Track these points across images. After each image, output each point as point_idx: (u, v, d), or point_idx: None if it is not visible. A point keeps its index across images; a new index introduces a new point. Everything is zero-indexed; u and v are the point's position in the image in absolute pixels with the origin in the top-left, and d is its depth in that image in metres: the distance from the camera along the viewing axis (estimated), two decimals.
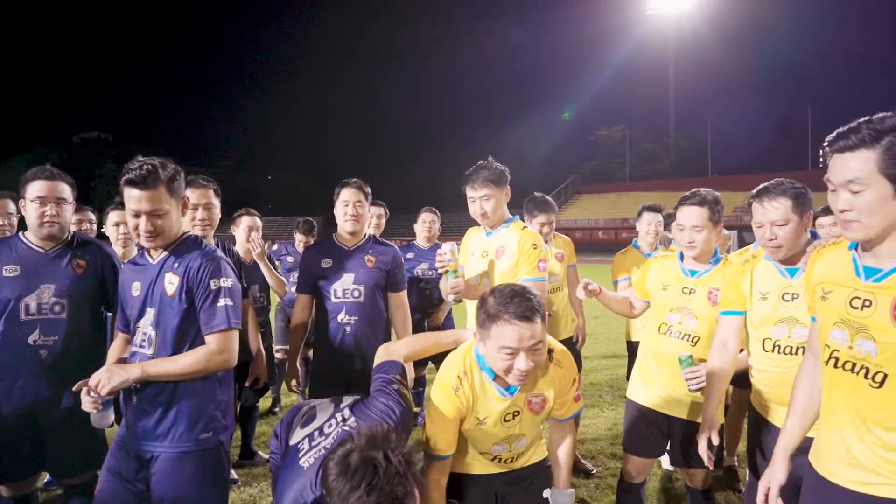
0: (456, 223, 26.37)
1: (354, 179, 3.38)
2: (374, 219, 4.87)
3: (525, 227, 3.17)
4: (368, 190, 3.39)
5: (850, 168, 1.54)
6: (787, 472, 1.90)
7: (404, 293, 3.47)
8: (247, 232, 4.53)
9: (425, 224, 5.16)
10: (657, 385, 2.84)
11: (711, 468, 2.50)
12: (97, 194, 59.43)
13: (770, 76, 66.31)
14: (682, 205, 2.81)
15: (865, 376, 1.64)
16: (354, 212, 3.29)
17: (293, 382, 3.42)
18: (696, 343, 2.75)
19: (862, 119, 1.55)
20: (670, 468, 3.89)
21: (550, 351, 2.24)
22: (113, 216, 3.95)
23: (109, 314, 2.92)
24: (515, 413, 2.24)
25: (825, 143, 1.64)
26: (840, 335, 1.69)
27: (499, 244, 3.10)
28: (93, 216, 4.22)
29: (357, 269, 3.27)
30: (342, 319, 3.23)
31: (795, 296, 2.34)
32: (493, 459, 2.36)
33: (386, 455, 1.45)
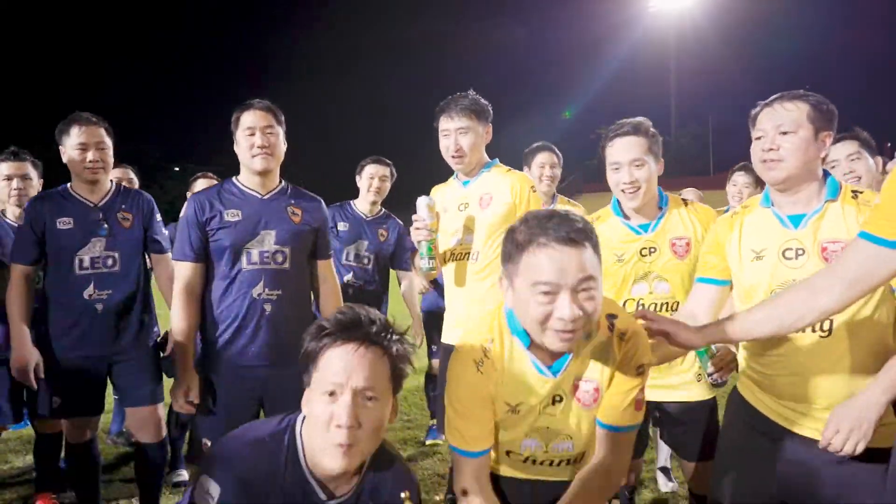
0: None
1: (259, 100, 2.59)
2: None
3: (511, 169, 2.66)
4: (282, 116, 2.62)
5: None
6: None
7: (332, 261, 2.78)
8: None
9: (373, 181, 3.83)
10: None
11: None
12: None
13: (771, 74, 66.21)
14: (614, 138, 2.24)
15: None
16: (265, 141, 2.50)
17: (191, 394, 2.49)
18: (677, 309, 2.22)
19: None
20: (668, 488, 3.55)
21: (613, 317, 1.59)
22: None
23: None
24: (557, 398, 1.60)
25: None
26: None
27: (482, 191, 2.57)
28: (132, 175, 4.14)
29: (278, 225, 2.51)
30: (258, 294, 2.44)
31: (801, 252, 1.71)
32: (524, 461, 1.70)
33: None
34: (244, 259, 2.44)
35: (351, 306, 1.42)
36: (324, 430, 1.34)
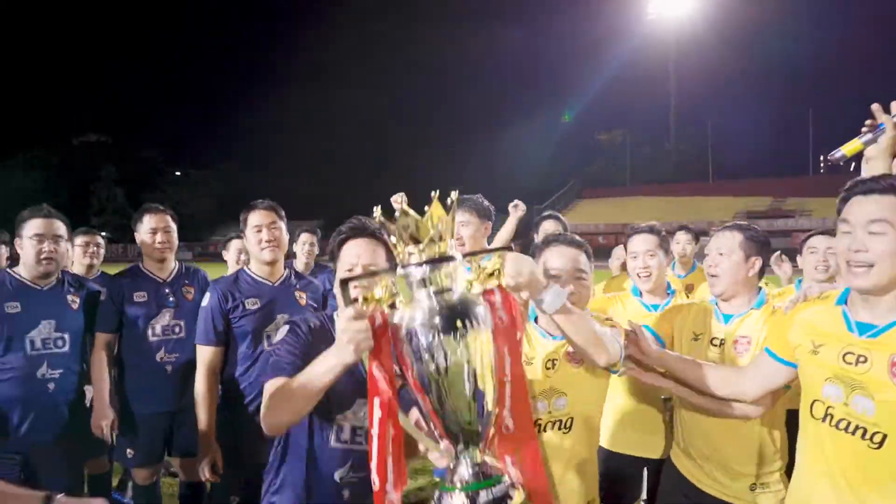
0: None
1: (262, 200, 2.95)
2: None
3: None
4: (282, 212, 2.97)
5: (878, 208, 1.52)
6: None
7: None
8: None
9: (305, 246, 4.26)
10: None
11: None
12: (97, 197, 59.48)
13: (771, 81, 66.46)
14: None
15: (863, 437, 1.56)
16: (271, 236, 2.85)
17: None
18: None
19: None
20: None
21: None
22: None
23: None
24: (553, 361, 2.00)
25: (843, 191, 1.63)
26: (833, 391, 1.62)
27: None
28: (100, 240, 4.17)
29: (289, 309, 2.82)
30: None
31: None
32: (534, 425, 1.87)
33: None
34: (265, 342, 2.78)
35: (358, 217, 1.93)
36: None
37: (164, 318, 3.08)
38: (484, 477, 1.30)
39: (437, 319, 1.26)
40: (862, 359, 1.57)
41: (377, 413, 1.38)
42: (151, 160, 65.69)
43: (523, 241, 3.99)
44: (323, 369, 1.51)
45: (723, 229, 2.31)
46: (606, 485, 2.34)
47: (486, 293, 1.42)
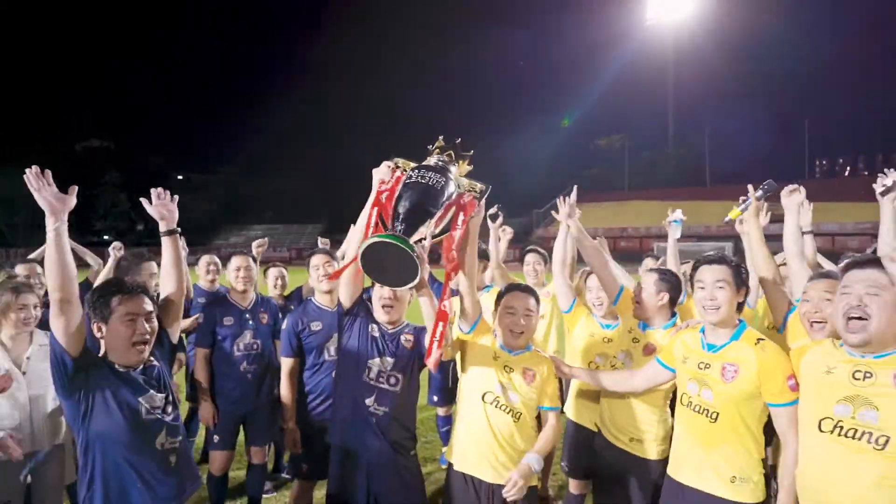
0: None
1: (318, 248, 4.13)
2: (278, 280, 4.83)
3: None
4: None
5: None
6: None
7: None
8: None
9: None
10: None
11: None
12: (100, 203, 59.82)
13: (767, 86, 66.91)
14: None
15: (706, 416, 2.52)
16: (325, 272, 3.80)
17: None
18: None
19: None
20: None
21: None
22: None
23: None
24: (509, 368, 2.79)
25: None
26: (693, 387, 2.57)
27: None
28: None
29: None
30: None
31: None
32: (490, 403, 2.76)
33: None
34: (325, 354, 3.57)
35: None
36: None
37: (246, 337, 3.95)
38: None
39: (427, 172, 2.50)
40: (707, 365, 2.53)
41: (373, 213, 2.56)
42: (154, 165, 65.90)
43: (524, 244, 4.53)
44: (368, 202, 2.61)
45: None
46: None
47: (460, 195, 2.59)
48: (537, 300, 2.88)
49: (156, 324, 2.43)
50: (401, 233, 2.32)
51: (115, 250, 4.95)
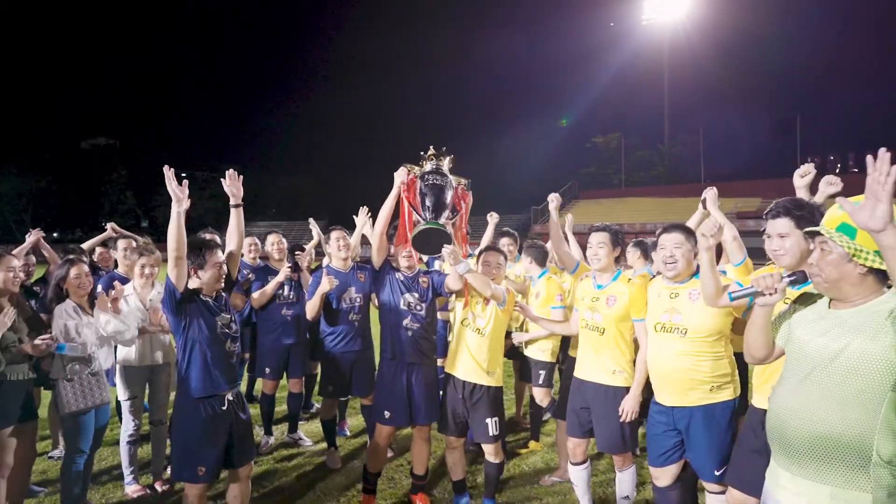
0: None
1: (336, 227, 5.22)
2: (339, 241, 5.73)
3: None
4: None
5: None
6: None
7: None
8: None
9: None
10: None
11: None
12: (107, 200, 60.71)
13: (761, 85, 67.80)
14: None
15: (596, 331, 3.90)
16: (345, 243, 5.09)
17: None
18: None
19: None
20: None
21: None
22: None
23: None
24: (477, 301, 4.12)
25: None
26: (588, 314, 3.96)
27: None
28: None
29: (356, 284, 5.00)
30: (352, 318, 4.95)
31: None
32: (466, 326, 4.12)
33: None
34: (343, 303, 4.88)
35: None
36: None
37: (285, 290, 5.45)
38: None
39: (437, 176, 3.95)
40: (597, 298, 3.80)
41: (404, 204, 4.04)
42: (157, 163, 66.61)
43: (526, 234, 5.87)
44: (392, 194, 4.03)
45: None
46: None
47: (457, 188, 4.04)
48: (505, 258, 4.37)
49: (226, 268, 3.55)
50: (432, 219, 3.85)
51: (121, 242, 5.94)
